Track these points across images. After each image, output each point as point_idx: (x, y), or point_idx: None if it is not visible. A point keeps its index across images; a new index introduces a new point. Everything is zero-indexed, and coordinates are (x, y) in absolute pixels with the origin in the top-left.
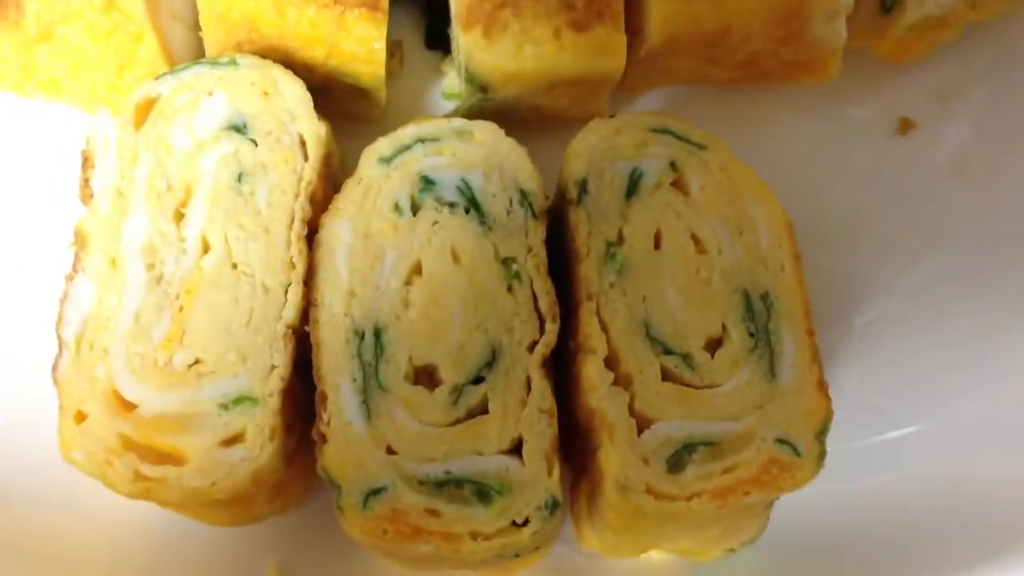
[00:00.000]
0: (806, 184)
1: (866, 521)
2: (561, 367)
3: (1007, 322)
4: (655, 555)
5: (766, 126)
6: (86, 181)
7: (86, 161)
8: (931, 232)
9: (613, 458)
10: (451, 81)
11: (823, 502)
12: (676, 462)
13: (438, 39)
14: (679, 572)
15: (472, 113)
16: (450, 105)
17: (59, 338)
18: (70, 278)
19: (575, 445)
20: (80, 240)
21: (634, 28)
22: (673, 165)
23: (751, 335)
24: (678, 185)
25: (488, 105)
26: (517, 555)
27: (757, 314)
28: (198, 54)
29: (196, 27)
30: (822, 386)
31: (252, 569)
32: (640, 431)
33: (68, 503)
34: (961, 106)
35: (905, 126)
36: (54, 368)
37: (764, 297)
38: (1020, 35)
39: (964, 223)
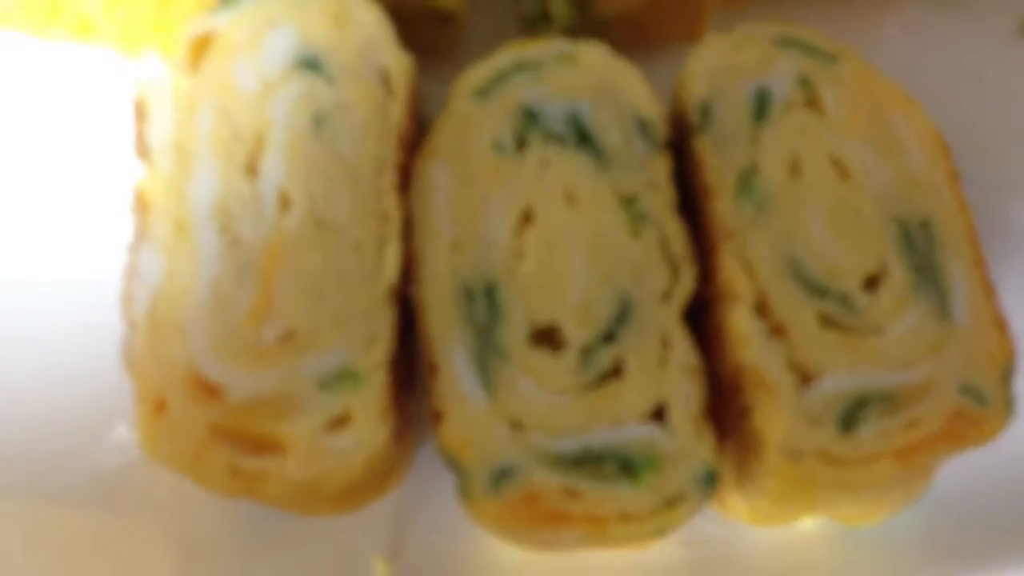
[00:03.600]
0: (937, 93)
1: None
2: (697, 319)
3: None
4: (806, 521)
5: (885, 32)
6: (141, 136)
7: (140, 113)
8: None
9: (776, 421)
10: (533, 3)
11: (992, 453)
12: (849, 420)
13: None
14: (831, 539)
15: (571, 36)
16: (537, 30)
17: (128, 319)
18: (134, 249)
19: (718, 404)
20: (141, 204)
21: None
22: (804, 81)
23: (914, 269)
24: (812, 104)
25: (584, 26)
26: (664, 532)
27: (918, 245)
28: None
29: None
30: (1001, 323)
31: (356, 563)
32: (804, 387)
33: (136, 505)
34: None
35: None
36: (125, 353)
37: (923, 225)
38: None
39: None
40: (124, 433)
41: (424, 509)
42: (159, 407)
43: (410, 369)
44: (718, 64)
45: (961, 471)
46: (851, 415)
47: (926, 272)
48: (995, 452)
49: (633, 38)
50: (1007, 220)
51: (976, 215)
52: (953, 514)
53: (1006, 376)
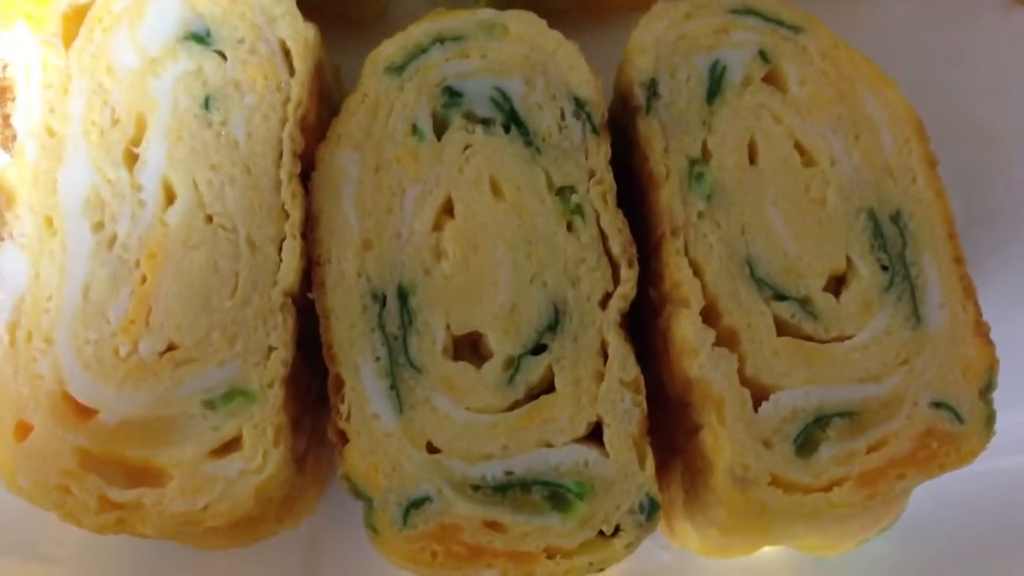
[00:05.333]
0: (914, 67)
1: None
2: (642, 324)
3: None
4: (768, 550)
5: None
6: (6, 119)
7: (3, 93)
8: None
9: (725, 442)
10: None
11: (975, 477)
12: (806, 441)
13: None
14: (795, 567)
15: (499, 5)
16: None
17: None
18: None
19: (661, 419)
20: (4, 196)
21: None
22: (763, 55)
23: (884, 268)
24: (772, 80)
25: None
26: (602, 570)
27: (889, 240)
28: None
29: None
30: (981, 328)
31: None
32: (756, 404)
33: (20, 544)
34: None
35: None
36: None
37: (896, 218)
38: None
39: None
40: None
41: (341, 538)
42: (21, 431)
43: (319, 383)
44: (667, 35)
45: (937, 492)
46: (809, 435)
47: (898, 271)
48: (974, 470)
49: (576, 5)
50: (992, 212)
51: (957, 206)
52: (928, 541)
53: (986, 389)
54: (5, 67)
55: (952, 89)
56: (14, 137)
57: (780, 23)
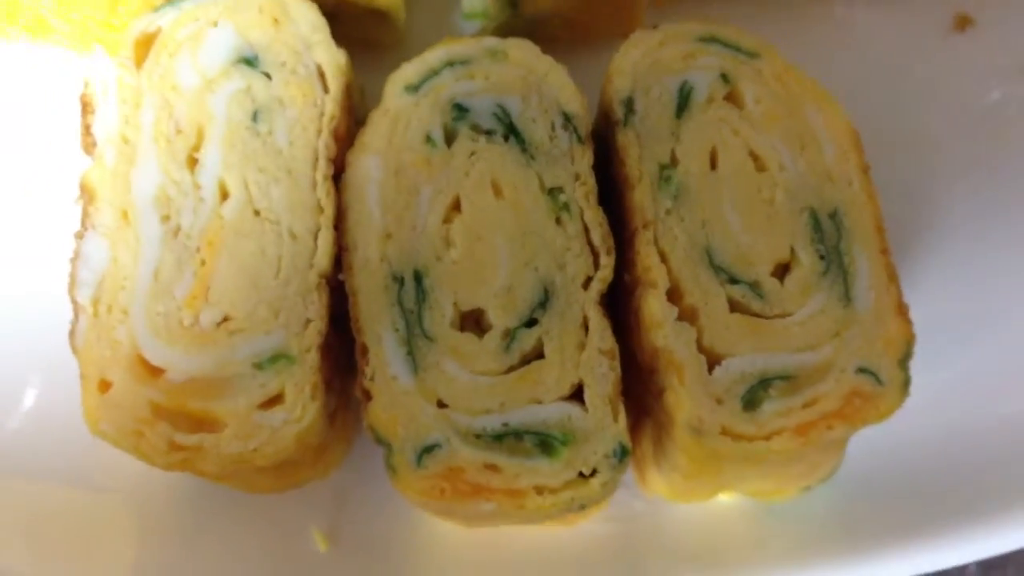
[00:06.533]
0: (860, 90)
1: (950, 453)
2: (618, 303)
3: None
4: (724, 498)
5: (816, 28)
6: (87, 129)
7: (86, 107)
8: (998, 134)
9: (684, 400)
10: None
11: (901, 432)
12: (752, 399)
13: None
14: (750, 514)
15: (501, 33)
16: (472, 28)
17: (74, 302)
18: (80, 236)
19: (635, 386)
20: (87, 194)
21: None
22: (725, 77)
23: (822, 257)
24: (732, 99)
25: (518, 23)
26: (583, 507)
27: (827, 234)
28: None
29: None
30: (902, 309)
31: (297, 536)
32: (711, 368)
33: (92, 477)
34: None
35: (962, 23)
36: (71, 335)
37: (833, 215)
38: None
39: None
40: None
41: (363, 489)
42: (103, 386)
43: (347, 353)
44: (643, 60)
45: (870, 450)
46: (754, 394)
47: (833, 260)
48: (900, 433)
49: (567, 34)
50: (918, 210)
51: (887, 205)
52: (863, 491)
53: (904, 359)
54: (87, 85)
55: (895, 105)
56: (95, 144)
57: (739, 50)
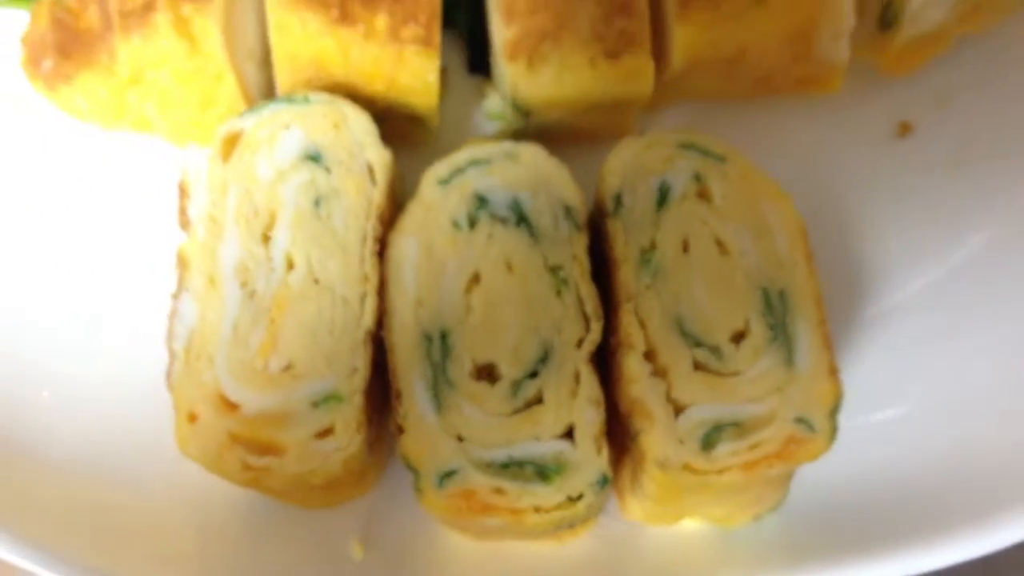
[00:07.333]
0: (817, 186)
1: (875, 488)
2: (604, 361)
3: (998, 307)
4: (689, 523)
5: (780, 134)
6: (184, 210)
7: (183, 192)
8: (931, 225)
9: (654, 441)
10: (493, 103)
11: (837, 472)
12: (708, 441)
13: (479, 65)
14: (710, 537)
15: (516, 134)
16: (493, 124)
17: (170, 350)
18: (176, 297)
19: (618, 428)
20: (182, 263)
21: (659, 53)
22: (697, 177)
23: (770, 328)
24: (702, 195)
25: (531, 126)
26: (572, 525)
27: (775, 309)
28: (269, 89)
29: (266, 65)
30: (833, 371)
31: (339, 545)
32: (676, 415)
33: (171, 493)
34: (954, 110)
35: (904, 129)
36: (168, 376)
37: (781, 294)
38: (1005, 45)
39: (961, 218)
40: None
41: (394, 506)
42: (192, 418)
43: (383, 395)
44: (631, 162)
45: (811, 486)
46: (710, 437)
47: (779, 330)
48: (838, 471)
49: (570, 137)
50: (851, 289)
51: (825, 286)
52: (807, 519)
53: (832, 411)
54: (184, 174)
55: (841, 198)
56: (190, 222)
57: (710, 154)
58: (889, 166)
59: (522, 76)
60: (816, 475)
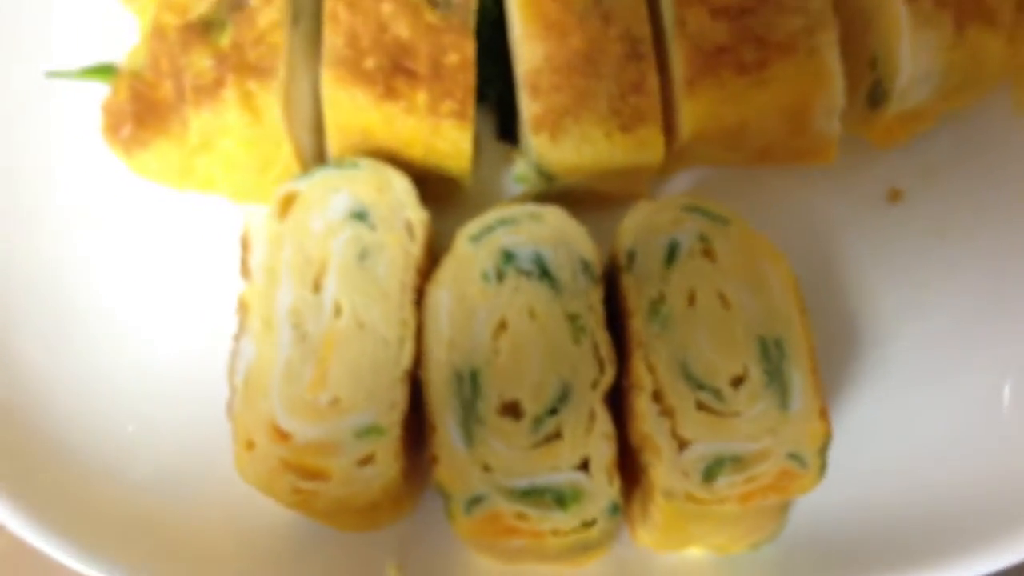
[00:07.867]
0: (812, 247)
1: (865, 519)
2: (618, 401)
3: (977, 360)
4: (694, 551)
5: (779, 199)
6: (245, 261)
7: (244, 245)
8: (916, 286)
9: (661, 473)
10: (520, 168)
11: (831, 505)
12: (709, 474)
13: (508, 133)
14: (713, 564)
15: (540, 196)
16: (520, 187)
17: (231, 384)
18: (237, 338)
19: (628, 461)
20: (243, 308)
21: (669, 126)
22: (702, 237)
23: (767, 374)
24: (707, 253)
25: (553, 189)
26: (586, 549)
27: (771, 357)
28: (320, 154)
29: (319, 132)
30: (823, 413)
31: (376, 569)
32: (681, 450)
33: (223, 513)
34: (940, 181)
35: (895, 196)
36: (228, 408)
37: (777, 343)
38: (988, 121)
39: (944, 280)
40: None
41: (428, 532)
42: (249, 446)
43: (419, 428)
44: (643, 223)
45: (808, 517)
46: (711, 471)
47: (775, 376)
48: (832, 504)
49: (589, 198)
50: (842, 340)
51: (818, 337)
52: (804, 548)
53: (822, 449)
54: (246, 229)
55: (837, 259)
56: (250, 272)
57: (714, 217)
58: (879, 230)
59: (546, 146)
60: (811, 507)
